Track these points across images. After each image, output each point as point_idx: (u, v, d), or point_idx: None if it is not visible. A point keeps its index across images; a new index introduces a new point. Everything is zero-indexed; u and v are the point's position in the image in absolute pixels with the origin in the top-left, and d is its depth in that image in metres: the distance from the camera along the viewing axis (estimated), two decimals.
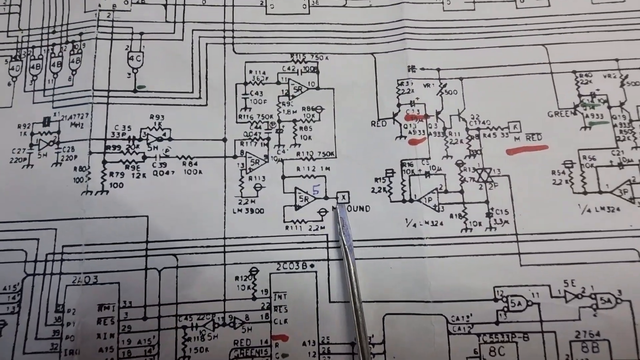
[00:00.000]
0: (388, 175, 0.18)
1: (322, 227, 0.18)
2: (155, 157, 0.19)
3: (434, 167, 0.18)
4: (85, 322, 0.17)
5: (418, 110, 0.19)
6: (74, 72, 0.19)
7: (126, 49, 0.19)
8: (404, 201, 0.18)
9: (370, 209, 0.18)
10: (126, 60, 0.19)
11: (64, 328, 0.17)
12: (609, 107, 0.19)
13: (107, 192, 0.18)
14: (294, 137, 0.19)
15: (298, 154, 0.19)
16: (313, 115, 0.19)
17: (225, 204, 0.18)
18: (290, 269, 0.18)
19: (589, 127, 0.19)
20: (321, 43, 0.20)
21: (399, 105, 0.19)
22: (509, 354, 0.17)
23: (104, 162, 0.18)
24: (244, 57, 0.20)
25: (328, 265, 0.18)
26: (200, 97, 0.19)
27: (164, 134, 0.19)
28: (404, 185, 0.18)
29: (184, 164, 0.19)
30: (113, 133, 0.19)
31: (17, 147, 0.19)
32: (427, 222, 0.18)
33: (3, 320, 0.17)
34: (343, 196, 0.18)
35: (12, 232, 0.18)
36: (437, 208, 0.18)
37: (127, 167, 0.18)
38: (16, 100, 0.19)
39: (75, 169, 0.18)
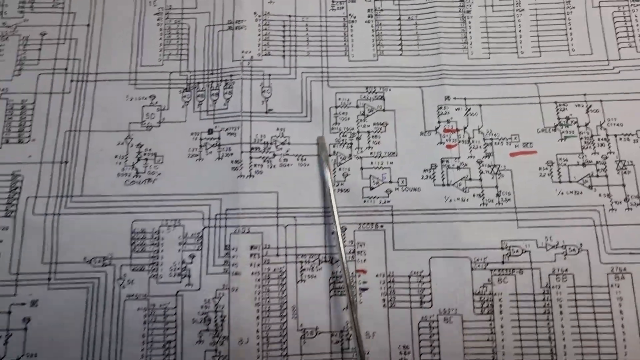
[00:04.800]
0: (432, 167, 0.27)
1: (388, 201, 0.27)
2: (281, 155, 0.28)
3: (462, 164, 0.27)
4: (242, 256, 0.26)
5: (452, 126, 0.28)
6: (227, 100, 0.29)
7: (260, 85, 0.29)
8: (442, 185, 0.27)
9: (420, 190, 0.27)
10: (261, 92, 0.29)
11: (230, 259, 0.26)
12: (578, 126, 0.28)
13: (253, 176, 0.27)
14: (368, 142, 0.28)
15: (371, 153, 0.28)
16: (380, 129, 0.28)
17: (324, 185, 0.28)
18: (367, 228, 0.27)
19: (564, 139, 0.28)
20: (386, 79, 0.29)
21: (439, 122, 0.28)
22: (510, 282, 0.26)
23: (250, 157, 0.28)
24: (335, 89, 0.29)
25: (392, 226, 0.26)
26: (306, 116, 0.29)
27: (285, 140, 0.28)
28: (443, 175, 0.27)
29: (297, 159, 0.28)
30: (254, 139, 0.28)
31: (192, 147, 0.28)
32: (457, 199, 0.27)
33: (192, 254, 0.27)
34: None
35: (194, 201, 0.27)
36: (464, 190, 0.27)
37: (264, 160, 0.28)
38: (188, 117, 0.28)
39: (232, 162, 0.28)
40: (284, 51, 0.30)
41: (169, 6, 0.30)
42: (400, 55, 0.29)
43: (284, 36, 0.30)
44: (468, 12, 0.30)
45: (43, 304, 0.25)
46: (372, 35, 0.30)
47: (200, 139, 0.28)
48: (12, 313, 0.25)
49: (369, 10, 0.30)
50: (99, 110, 0.28)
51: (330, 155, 0.28)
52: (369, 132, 0.28)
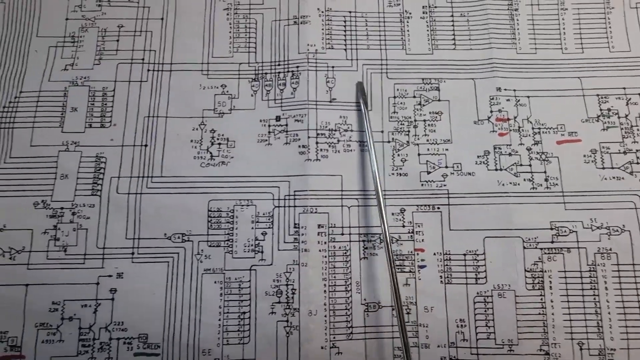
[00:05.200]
0: (485, 154, 0.29)
1: (444, 185, 0.29)
2: (344, 141, 0.30)
3: (513, 150, 0.30)
4: (310, 234, 0.28)
5: (503, 115, 0.30)
6: (294, 90, 0.31)
7: (325, 76, 0.31)
8: (495, 170, 0.29)
9: (475, 174, 0.29)
10: (325, 83, 0.31)
11: (300, 237, 0.28)
12: (619, 117, 0.30)
13: (319, 160, 0.29)
14: (424, 130, 0.30)
15: (427, 140, 0.30)
16: (436, 117, 0.30)
17: (384, 170, 0.30)
18: (424, 210, 0.29)
19: (606, 129, 0.30)
20: (440, 72, 0.31)
21: (491, 111, 0.30)
22: (559, 260, 0.28)
23: (317, 142, 0.30)
24: (393, 80, 0.31)
25: (449, 208, 0.28)
26: (367, 105, 0.31)
27: (348, 128, 0.30)
28: (496, 160, 0.29)
29: (359, 145, 0.30)
30: (320, 126, 0.30)
31: (261, 133, 0.30)
32: (510, 183, 0.29)
33: (264, 232, 0.29)
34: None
35: (265, 182, 0.29)
36: (515, 174, 0.29)
37: (329, 146, 0.30)
38: (257, 105, 0.31)
39: (299, 146, 0.30)
40: (345, 44, 0.32)
41: (237, 2, 0.33)
42: (454, 49, 0.32)
43: (345, 31, 0.32)
44: (516, 10, 0.32)
45: (128, 276, 0.27)
46: (427, 30, 0.32)
47: (269, 126, 0.30)
48: (100, 284, 0.27)
49: (423, 7, 0.33)
50: (175, 97, 0.30)
51: (389, 142, 0.30)
52: (425, 120, 0.30)
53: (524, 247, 0.28)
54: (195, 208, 0.28)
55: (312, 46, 0.32)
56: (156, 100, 0.30)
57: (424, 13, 0.32)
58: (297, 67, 0.31)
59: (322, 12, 0.32)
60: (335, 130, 0.30)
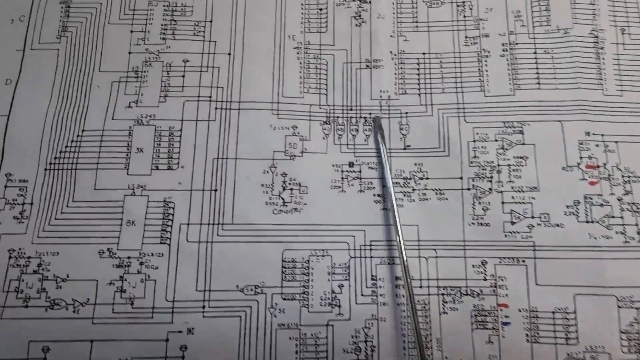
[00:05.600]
0: (575, 204, 0.28)
1: (530, 236, 0.27)
2: (419, 189, 0.28)
3: (605, 201, 0.28)
4: (388, 287, 0.27)
5: (593, 162, 0.28)
6: (367, 136, 0.29)
7: (398, 123, 0.29)
8: (586, 222, 0.27)
9: (564, 226, 0.27)
10: (399, 130, 0.29)
11: (377, 289, 0.27)
12: None
13: None
14: (508, 176, 0.28)
15: (512, 187, 0.28)
16: (521, 162, 0.29)
17: (463, 219, 0.28)
18: (508, 262, 0.27)
19: None
20: (524, 114, 0.29)
21: (580, 157, 0.28)
22: None
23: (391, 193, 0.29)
24: (472, 124, 0.29)
25: (535, 262, 0.27)
26: (444, 151, 0.29)
27: (423, 175, 0.29)
28: (587, 211, 0.28)
29: (436, 193, 0.28)
30: (394, 174, 0.29)
31: (334, 179, 0.29)
32: (602, 236, 0.27)
33: (341, 284, 0.27)
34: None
35: (340, 231, 0.27)
36: (607, 227, 0.27)
37: (404, 195, 0.28)
38: (329, 149, 0.29)
39: (373, 195, 0.28)
40: (419, 89, 0.30)
41: (307, 41, 0.31)
42: (538, 89, 0.30)
43: (419, 74, 0.30)
44: (601, 48, 0.31)
45: (198, 331, 0.26)
46: (508, 69, 0.30)
47: (342, 171, 0.29)
48: (169, 340, 0.25)
49: (503, 44, 0.31)
50: (244, 137, 0.29)
51: (468, 189, 0.29)
52: (509, 165, 0.29)
53: (619, 306, 0.26)
54: (269, 258, 0.27)
55: (385, 92, 0.30)
56: (225, 140, 0.29)
57: (503, 51, 0.31)
58: (370, 113, 0.30)
59: (395, 55, 0.31)
60: (410, 179, 0.29)
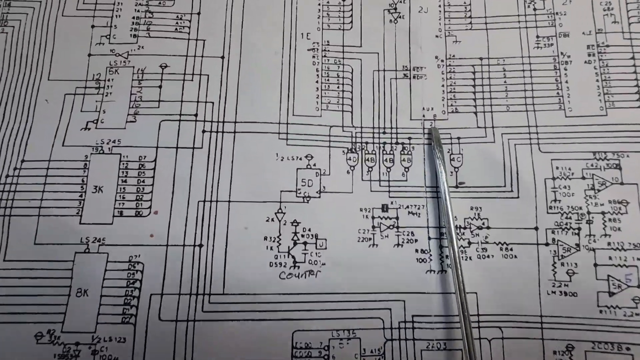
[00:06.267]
0: None
1: (637, 314, 0.20)
2: (478, 242, 0.22)
3: None
4: None
5: None
6: (406, 170, 0.22)
7: (448, 152, 0.22)
8: None
9: None
10: (449, 161, 0.22)
11: None
12: None
13: (445, 271, 0.21)
14: (603, 228, 0.21)
15: (609, 243, 0.21)
16: (619, 209, 0.21)
17: (539, 286, 0.21)
18: (604, 349, 0.20)
19: None
20: (621, 141, 0.22)
21: None
22: None
23: (440, 246, 0.21)
24: (549, 155, 0.22)
25: None
26: (512, 191, 0.22)
27: (483, 223, 0.22)
28: None
29: (501, 249, 0.21)
30: (444, 222, 0.21)
31: (362, 228, 0.21)
32: None
33: None
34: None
35: (371, 303, 0.20)
36: None
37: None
38: (356, 187, 0.22)
39: (416, 250, 0.21)
40: (475, 106, 0.23)
41: (327, 41, 0.24)
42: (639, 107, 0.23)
43: (474, 85, 0.23)
44: None
45: None
46: (597, 81, 0.23)
47: (373, 218, 0.22)
48: None
49: (588, 46, 0.23)
50: (241, 172, 0.21)
51: (547, 245, 0.22)
52: (603, 213, 0.21)
53: None
54: (274, 341, 0.20)
55: (429, 110, 0.23)
56: (215, 175, 0.21)
57: (590, 55, 0.23)
58: (410, 138, 0.23)
59: (442, 61, 0.24)
60: (465, 228, 0.22)
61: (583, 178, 0.22)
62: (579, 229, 0.21)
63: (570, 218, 0.21)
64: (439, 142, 0.22)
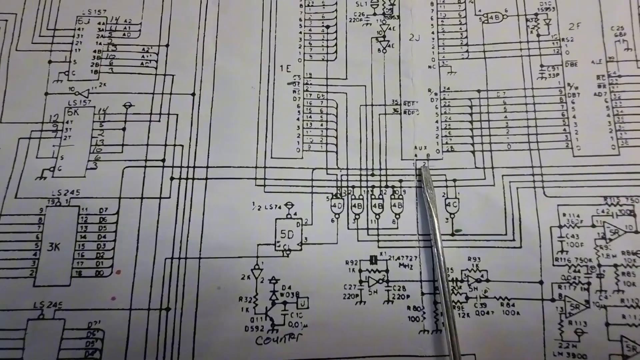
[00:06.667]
0: None
1: None
2: (476, 297, 0.20)
3: None
4: None
5: None
6: (397, 216, 0.20)
7: (443, 196, 0.20)
8: None
9: None
10: (444, 206, 0.20)
11: None
12: None
13: (440, 331, 0.19)
14: (616, 283, 0.19)
15: (622, 300, 0.19)
16: (634, 260, 0.19)
17: (544, 346, 0.19)
18: None
19: None
20: (636, 185, 0.20)
21: None
22: None
23: (435, 302, 0.19)
24: (555, 200, 0.20)
25: None
26: (514, 240, 0.20)
27: (482, 276, 0.20)
28: None
29: (502, 304, 0.19)
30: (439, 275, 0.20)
31: (348, 283, 0.19)
32: None
33: None
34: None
35: None
36: None
37: (454, 306, 0.19)
38: (341, 237, 0.20)
39: (408, 307, 0.19)
40: (473, 144, 0.21)
41: (309, 73, 0.22)
42: None
43: (472, 121, 0.21)
44: None
45: None
46: (608, 116, 0.21)
47: (360, 271, 0.20)
48: None
49: (598, 76, 0.21)
50: (213, 225, 0.19)
51: (553, 300, 0.20)
52: (615, 265, 0.19)
53: None
54: None
55: (421, 149, 0.21)
56: (184, 229, 0.19)
57: (600, 86, 0.21)
58: (400, 180, 0.21)
59: (436, 94, 0.21)
60: (462, 281, 0.20)
61: (593, 226, 0.20)
62: (589, 283, 0.19)
63: (578, 271, 0.19)
64: (430, 183, 0.20)
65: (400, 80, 0.22)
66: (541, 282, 0.19)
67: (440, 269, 0.19)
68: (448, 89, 0.22)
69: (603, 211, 0.20)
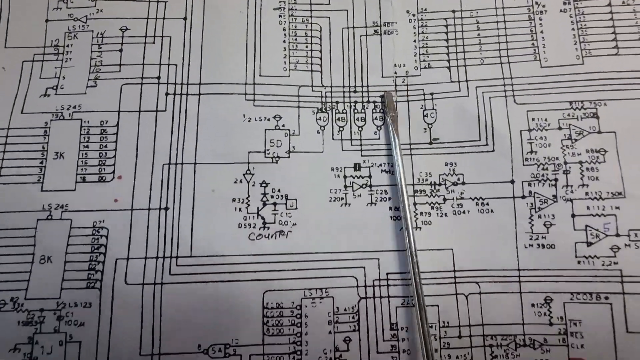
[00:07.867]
0: None
1: (615, 263, 0.20)
2: (453, 199, 0.21)
3: None
4: (413, 337, 0.20)
5: None
6: (378, 128, 0.22)
7: (421, 108, 0.22)
8: None
9: None
10: (422, 117, 0.22)
11: (399, 343, 0.19)
12: None
13: (420, 228, 0.21)
14: (580, 178, 0.21)
15: (586, 193, 0.20)
16: (597, 158, 0.21)
17: (516, 239, 0.20)
18: (583, 299, 0.20)
19: None
20: (598, 90, 0.21)
21: None
22: None
23: (415, 203, 0.21)
24: (525, 107, 0.21)
25: (624, 298, 0.19)
26: (487, 144, 0.21)
27: (458, 179, 0.21)
28: None
29: (477, 204, 0.21)
30: (418, 179, 0.21)
31: (334, 188, 0.21)
32: None
33: (348, 337, 0.19)
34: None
35: (344, 262, 0.20)
36: None
37: (432, 207, 0.21)
38: (327, 147, 0.21)
39: (390, 208, 0.21)
40: (449, 60, 0.22)
41: (293, 0, 0.23)
42: (616, 54, 0.22)
43: (447, 39, 0.23)
44: None
45: None
46: (573, 30, 0.22)
47: (345, 177, 0.21)
48: None
49: None
50: (207, 135, 0.21)
51: (524, 197, 0.21)
52: (580, 162, 0.21)
53: None
54: (244, 304, 0.19)
55: (401, 67, 0.22)
56: (180, 138, 0.21)
57: (565, 4, 0.23)
58: (382, 96, 0.22)
59: (414, 15, 0.23)
60: (440, 185, 0.21)
61: (560, 128, 0.21)
62: (556, 179, 0.21)
63: (546, 169, 0.21)
64: (393, 107, 0.21)
65: (380, 3, 0.23)
66: (512, 182, 0.21)
67: (400, 189, 0.20)
68: (425, 10, 0.23)
69: (569, 115, 0.21)
